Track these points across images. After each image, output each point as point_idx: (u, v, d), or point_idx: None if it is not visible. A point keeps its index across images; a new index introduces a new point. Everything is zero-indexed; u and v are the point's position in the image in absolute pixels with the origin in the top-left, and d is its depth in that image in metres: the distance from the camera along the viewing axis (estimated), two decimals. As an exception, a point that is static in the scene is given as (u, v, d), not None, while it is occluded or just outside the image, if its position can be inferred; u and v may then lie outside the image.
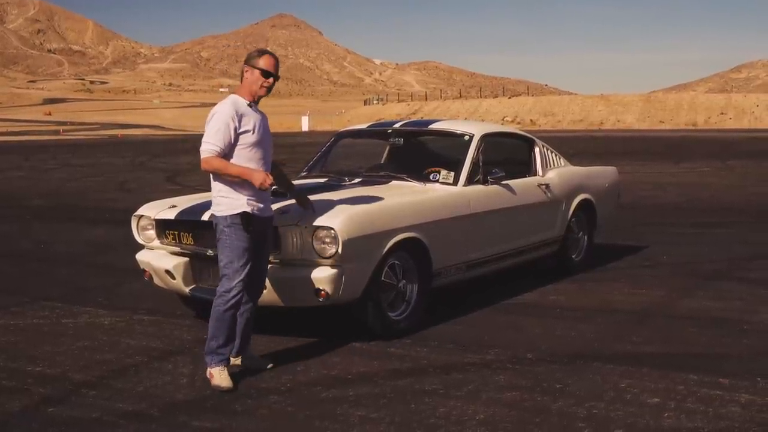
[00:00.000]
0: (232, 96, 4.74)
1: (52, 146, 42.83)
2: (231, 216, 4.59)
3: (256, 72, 4.67)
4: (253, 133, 4.62)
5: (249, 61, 4.72)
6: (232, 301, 4.59)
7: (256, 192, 4.60)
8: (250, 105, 4.68)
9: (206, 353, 4.66)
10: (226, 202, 4.61)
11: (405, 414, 4.09)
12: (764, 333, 5.54)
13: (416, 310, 5.65)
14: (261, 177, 4.51)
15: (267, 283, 5.00)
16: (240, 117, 4.60)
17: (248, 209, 4.59)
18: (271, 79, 4.69)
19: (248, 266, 4.62)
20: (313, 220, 5.07)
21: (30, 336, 5.75)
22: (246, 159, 4.61)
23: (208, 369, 4.61)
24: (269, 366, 4.87)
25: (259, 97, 4.73)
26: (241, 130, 4.59)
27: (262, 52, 4.75)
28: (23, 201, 15.71)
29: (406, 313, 5.60)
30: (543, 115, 70.39)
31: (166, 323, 6.01)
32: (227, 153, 4.57)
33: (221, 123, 4.56)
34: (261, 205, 4.66)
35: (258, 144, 4.64)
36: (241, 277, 4.59)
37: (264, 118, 4.77)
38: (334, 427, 3.94)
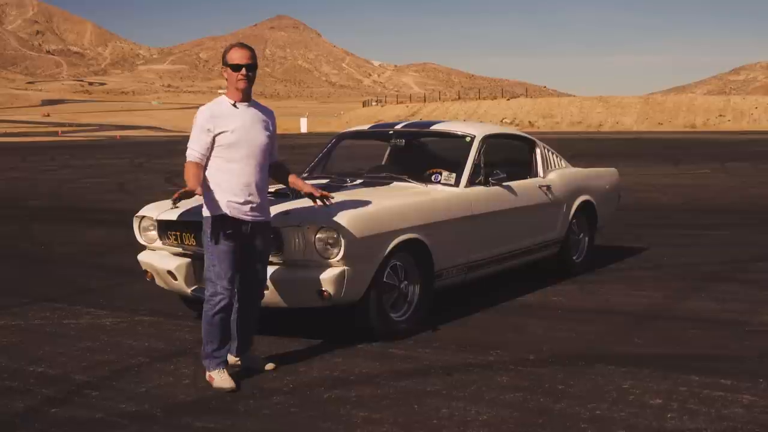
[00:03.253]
0: (219, 97, 4.70)
1: (51, 147, 42.81)
2: (211, 218, 4.54)
3: (229, 69, 4.58)
4: (231, 133, 4.52)
5: (222, 61, 4.64)
6: (220, 305, 4.54)
7: (240, 194, 4.51)
8: (235, 104, 4.59)
9: (203, 358, 4.65)
10: (208, 205, 4.56)
11: (408, 415, 4.09)
12: (765, 334, 5.54)
13: (418, 311, 5.66)
14: (189, 185, 4.38)
15: (269, 284, 5.00)
16: (216, 119, 4.54)
17: (226, 212, 4.51)
18: (244, 71, 4.55)
19: (233, 270, 4.54)
20: (316, 222, 5.07)
21: (32, 337, 5.75)
22: (226, 160, 4.53)
23: (207, 373, 4.61)
24: (271, 367, 4.85)
25: (245, 93, 4.61)
26: (218, 131, 4.52)
27: (230, 47, 4.63)
28: (22, 202, 15.70)
29: (408, 314, 5.61)
30: (542, 116, 70.46)
31: (167, 324, 6.01)
32: (208, 155, 4.53)
33: (197, 127, 4.56)
34: (245, 208, 4.54)
35: (238, 144, 4.53)
36: (225, 282, 4.52)
37: (256, 116, 4.65)
38: (337, 428, 3.94)
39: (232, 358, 4.82)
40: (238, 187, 4.54)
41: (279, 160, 4.94)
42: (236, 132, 4.54)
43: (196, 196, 4.54)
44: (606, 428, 3.88)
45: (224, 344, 4.63)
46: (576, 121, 68.32)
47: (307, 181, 5.85)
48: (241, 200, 4.55)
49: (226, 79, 4.62)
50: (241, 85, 4.58)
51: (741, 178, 18.42)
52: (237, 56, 4.57)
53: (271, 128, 4.74)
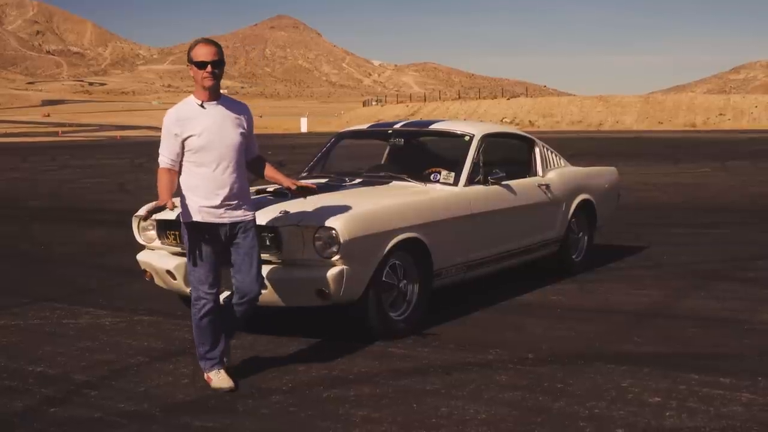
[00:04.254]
0: (187, 98, 4.55)
1: (51, 148, 42.82)
2: (185, 225, 4.47)
3: (194, 67, 4.39)
4: (198, 136, 4.36)
5: (188, 58, 4.45)
6: (204, 309, 4.48)
7: (214, 198, 4.41)
8: (202, 105, 4.43)
9: (198, 359, 4.64)
10: (182, 211, 4.48)
11: (407, 414, 4.09)
12: (765, 332, 5.54)
13: (417, 311, 5.65)
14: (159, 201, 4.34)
15: (268, 283, 4.99)
16: (183, 122, 4.39)
17: (199, 219, 4.42)
18: (209, 68, 4.35)
19: (213, 274, 4.47)
20: (314, 221, 5.07)
21: (31, 336, 5.75)
22: (196, 164, 4.41)
23: (205, 374, 4.60)
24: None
25: (212, 91, 4.44)
26: (185, 135, 4.37)
27: (195, 44, 4.43)
28: (23, 202, 15.70)
29: (407, 313, 5.60)
30: (541, 116, 70.47)
31: (166, 324, 6.01)
32: (180, 159, 4.42)
33: (164, 132, 4.43)
34: (220, 211, 4.43)
35: (207, 147, 4.37)
36: (206, 286, 4.46)
37: (226, 114, 4.46)
38: (335, 427, 3.94)
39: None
40: (211, 191, 4.42)
41: (259, 155, 4.79)
42: (204, 135, 4.38)
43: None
44: (605, 427, 3.88)
45: (216, 345, 4.58)
46: (576, 120, 68.32)
47: (306, 180, 5.80)
48: (216, 204, 4.43)
49: (193, 77, 4.45)
50: (208, 83, 4.39)
51: (741, 176, 18.42)
52: (202, 53, 4.38)
53: (245, 125, 4.54)
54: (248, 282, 4.57)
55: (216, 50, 4.42)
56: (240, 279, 4.57)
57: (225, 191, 4.45)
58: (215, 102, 4.49)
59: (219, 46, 4.48)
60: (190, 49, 4.45)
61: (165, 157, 4.44)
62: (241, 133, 4.52)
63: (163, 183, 4.40)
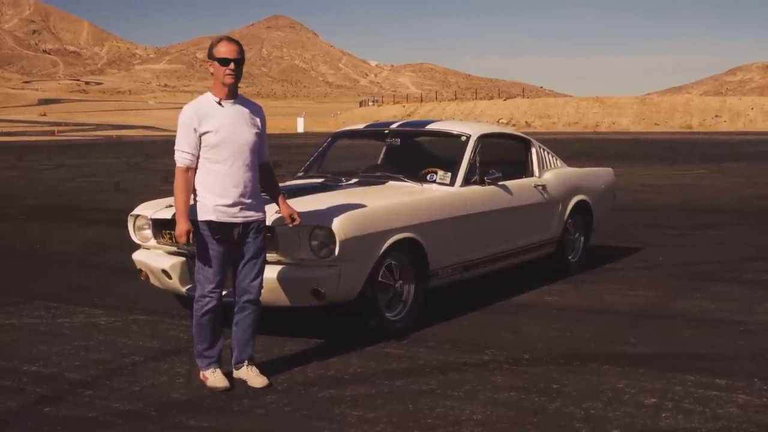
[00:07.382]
0: (203, 95, 4.56)
1: (47, 147, 42.73)
2: (200, 222, 4.44)
3: (216, 63, 4.42)
4: (215, 133, 4.38)
5: (209, 55, 4.48)
6: (207, 307, 4.47)
7: (228, 197, 4.40)
8: (220, 102, 4.45)
9: (195, 357, 4.62)
10: (197, 206, 4.46)
11: (402, 414, 4.08)
12: (760, 333, 5.55)
13: (413, 311, 5.64)
14: (178, 232, 4.36)
15: (264, 283, 4.95)
16: (201, 117, 4.40)
17: (213, 217, 4.41)
18: (232, 66, 4.39)
19: (221, 274, 4.47)
20: (311, 221, 5.05)
21: (26, 335, 5.73)
22: (211, 161, 4.40)
23: (201, 372, 4.58)
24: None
25: (231, 89, 4.46)
26: (202, 130, 4.37)
27: (218, 40, 4.47)
28: (18, 201, 15.66)
29: (402, 313, 5.59)
30: (538, 117, 70.54)
31: (162, 323, 5.99)
32: (198, 154, 4.41)
33: (182, 126, 4.43)
34: (234, 210, 4.42)
35: (221, 145, 4.38)
36: (212, 285, 4.44)
37: (242, 113, 4.49)
38: (331, 427, 3.93)
39: (234, 373, 4.64)
40: (226, 189, 4.41)
41: (269, 161, 4.76)
42: (220, 131, 4.39)
43: (192, 196, 4.48)
44: (600, 428, 3.88)
45: (215, 344, 4.57)
46: (572, 121, 68.40)
47: (301, 181, 5.77)
48: (230, 202, 4.42)
49: (212, 74, 4.48)
50: (228, 80, 4.43)
51: (737, 178, 18.44)
52: (225, 50, 4.42)
53: (259, 125, 4.56)
54: (249, 282, 4.58)
55: (238, 48, 4.47)
56: (242, 278, 4.58)
57: (239, 189, 4.44)
58: (232, 101, 4.51)
59: (241, 45, 4.53)
60: (213, 45, 4.48)
61: (186, 153, 4.41)
62: (256, 133, 4.54)
63: (180, 195, 4.41)
